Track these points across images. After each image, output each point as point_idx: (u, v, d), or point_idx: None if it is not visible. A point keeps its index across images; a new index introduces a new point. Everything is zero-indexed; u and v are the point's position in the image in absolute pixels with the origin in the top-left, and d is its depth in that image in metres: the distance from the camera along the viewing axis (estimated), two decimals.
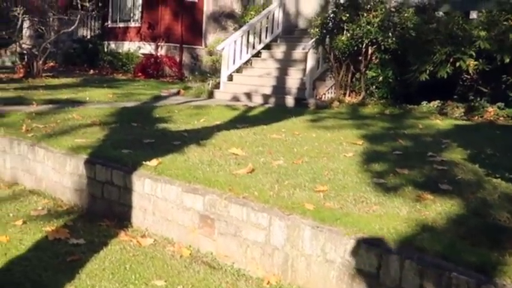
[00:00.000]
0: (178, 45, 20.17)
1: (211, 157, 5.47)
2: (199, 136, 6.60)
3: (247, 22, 14.13)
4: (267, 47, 13.67)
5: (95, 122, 7.67)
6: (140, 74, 18.88)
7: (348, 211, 3.83)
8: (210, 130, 7.12)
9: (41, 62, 15.87)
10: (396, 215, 3.73)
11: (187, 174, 4.76)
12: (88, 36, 21.90)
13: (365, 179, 4.62)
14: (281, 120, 8.44)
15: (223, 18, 21.00)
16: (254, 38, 13.48)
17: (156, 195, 4.72)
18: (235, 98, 12.09)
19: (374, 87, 11.14)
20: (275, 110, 10.07)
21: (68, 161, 5.68)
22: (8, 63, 21.85)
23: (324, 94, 11.70)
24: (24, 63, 16.37)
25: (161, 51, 19.91)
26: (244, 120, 8.52)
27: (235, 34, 13.22)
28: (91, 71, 19.52)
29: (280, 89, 11.88)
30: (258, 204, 4.02)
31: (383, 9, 10.86)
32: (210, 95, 12.65)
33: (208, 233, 4.30)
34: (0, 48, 23.01)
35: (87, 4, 16.55)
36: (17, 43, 16.94)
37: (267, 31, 13.68)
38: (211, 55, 20.55)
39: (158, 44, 19.92)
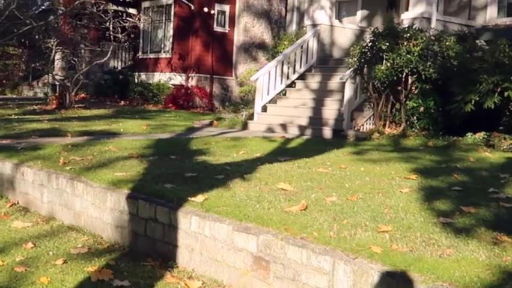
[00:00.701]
0: (208, 76, 20.13)
1: (259, 192, 5.18)
2: (242, 170, 6.32)
3: (281, 52, 13.94)
4: (302, 77, 13.45)
5: (133, 154, 7.46)
6: (171, 105, 18.81)
7: (420, 255, 3.49)
8: (251, 163, 6.84)
9: (73, 94, 15.85)
10: (475, 260, 3.38)
11: (237, 211, 4.47)
12: (119, 68, 22.00)
13: (429, 218, 4.28)
14: (323, 152, 8.14)
15: (253, 49, 20.99)
16: (288, 68, 13.27)
17: (204, 233, 4.43)
18: (270, 129, 11.84)
19: (414, 118, 10.79)
20: (313, 142, 9.77)
21: (108, 196, 5.44)
22: (40, 95, 22.03)
23: (363, 125, 11.38)
24: (56, 94, 16.38)
25: (192, 82, 19.86)
26: (284, 152, 8.24)
27: (269, 64, 13.03)
28: (122, 102, 19.53)
29: (316, 120, 11.60)
30: (319, 246, 3.71)
31: (424, 38, 10.57)
32: (244, 127, 12.42)
33: (262, 276, 3.99)
34: (32, 80, 23.25)
35: (119, 35, 16.55)
36: (50, 74, 16.96)
37: (301, 61, 13.47)
38: (241, 86, 20.46)
39: (189, 75, 19.90)
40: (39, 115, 13.65)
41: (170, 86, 19.85)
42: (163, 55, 20.63)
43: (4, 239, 5.34)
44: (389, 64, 10.41)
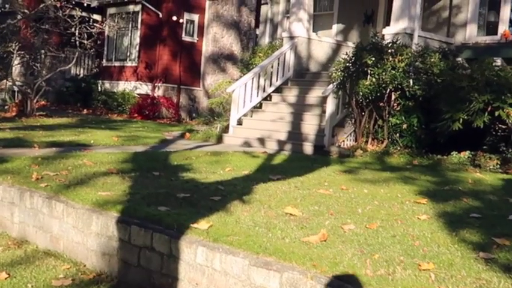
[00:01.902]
0: (175, 86, 19.55)
1: (266, 218, 4.67)
2: (238, 190, 5.80)
3: (256, 64, 13.51)
4: (278, 90, 13.02)
5: (111, 170, 6.84)
6: (136, 115, 18.15)
7: None
8: (244, 182, 6.32)
9: (34, 101, 15.02)
10: None
11: (250, 241, 3.95)
12: (81, 75, 21.13)
13: (467, 253, 3.85)
14: (312, 170, 7.69)
15: (222, 60, 20.52)
16: (265, 80, 12.82)
17: (213, 267, 3.89)
18: (247, 144, 11.34)
19: (397, 135, 10.47)
20: (297, 158, 9.32)
21: (94, 219, 4.83)
22: None
23: (344, 141, 11.00)
24: (17, 101, 15.50)
25: (159, 92, 19.24)
26: (271, 169, 7.75)
27: (245, 76, 12.56)
28: (85, 111, 18.72)
29: (296, 135, 11.17)
30: None
31: (409, 54, 10.29)
32: (219, 140, 11.89)
33: None
34: None
35: (85, 42, 15.81)
36: (9, 80, 16.05)
37: (277, 74, 13.04)
38: (209, 97, 19.93)
39: (156, 84, 19.28)
40: None
41: (136, 95, 19.16)
42: (128, 63, 19.92)
43: None
44: (374, 79, 10.08)
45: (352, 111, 10.80)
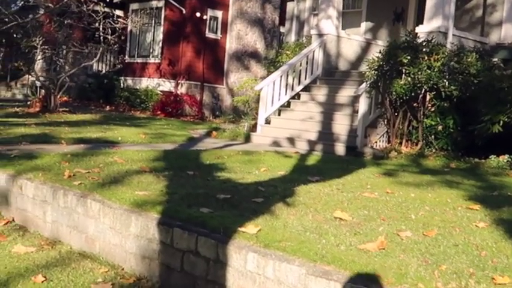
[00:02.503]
0: (199, 83, 19.34)
1: (315, 223, 4.40)
2: (279, 192, 5.54)
3: (283, 62, 13.25)
4: (306, 88, 12.74)
5: (144, 168, 6.62)
6: (159, 112, 17.96)
7: None
8: (283, 183, 6.06)
9: (58, 97, 14.88)
10: None
11: (304, 248, 3.69)
12: (103, 71, 21.00)
13: None
14: (349, 172, 7.42)
15: (246, 57, 20.29)
16: (293, 79, 12.55)
17: (265, 275, 3.64)
18: (276, 143, 11.08)
19: (432, 137, 10.15)
20: (331, 159, 9.04)
21: (133, 220, 4.60)
22: (19, 96, 20.94)
23: (376, 142, 10.71)
24: (40, 97, 15.36)
25: (182, 89, 19.03)
26: (307, 170, 7.49)
27: (273, 74, 12.29)
28: (107, 107, 18.58)
29: (326, 135, 10.88)
30: None
31: (445, 53, 9.96)
32: (247, 139, 11.64)
33: None
34: (10, 80, 22.11)
35: (109, 37, 15.63)
36: (33, 75, 15.93)
37: (306, 72, 12.76)
38: (232, 95, 19.73)
39: (179, 81, 19.08)
40: (23, 118, 12.67)
41: (159, 92, 18.98)
42: (151, 60, 19.75)
43: (7, 269, 4.47)
44: (409, 79, 9.76)
45: (385, 112, 10.50)
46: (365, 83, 10.47)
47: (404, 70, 9.90)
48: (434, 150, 9.96)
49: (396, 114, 10.23)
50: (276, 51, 15.26)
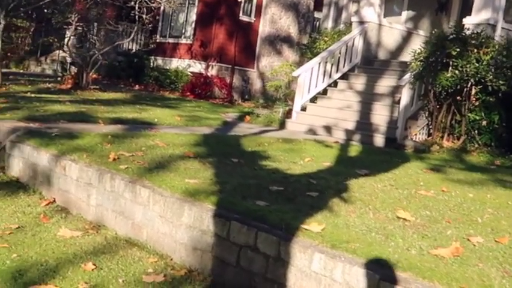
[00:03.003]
0: (229, 66, 19.07)
1: (378, 223, 4.18)
2: (331, 185, 5.33)
3: (320, 49, 12.96)
4: (344, 77, 12.45)
5: (188, 153, 6.44)
6: (188, 93, 17.76)
7: None
8: (332, 176, 5.84)
9: (90, 74, 14.75)
10: None
11: (374, 251, 3.48)
12: (134, 50, 20.84)
13: None
14: (396, 166, 7.17)
15: (278, 42, 19.99)
16: (331, 66, 12.26)
17: (332, 277, 3.43)
18: (312, 131, 10.84)
19: (475, 132, 9.83)
20: (372, 151, 8.79)
21: (186, 209, 4.41)
22: (49, 71, 20.88)
23: (416, 135, 10.41)
24: (72, 74, 15.23)
25: (212, 72, 18.79)
26: (351, 162, 7.25)
27: (312, 61, 12.00)
28: (137, 87, 18.42)
29: (365, 125, 10.60)
30: None
31: (496, 46, 9.60)
32: (282, 125, 11.42)
33: None
34: (40, 55, 22.07)
35: (144, 16, 15.43)
36: (67, 52, 15.82)
37: (345, 60, 12.45)
38: (262, 79, 19.48)
39: (209, 63, 18.83)
40: (56, 95, 12.55)
41: (189, 73, 18.75)
42: (183, 40, 19.51)
43: (55, 254, 4.31)
44: (457, 72, 9.43)
45: (428, 104, 10.20)
46: (408, 74, 10.16)
47: (451, 62, 9.57)
48: (476, 146, 9.65)
49: (439, 107, 9.92)
50: (312, 37, 14.94)
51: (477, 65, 9.43)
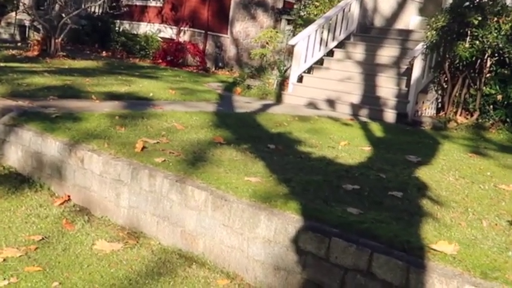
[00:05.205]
0: (203, 31, 18.03)
1: (500, 234, 3.50)
2: (403, 179, 4.63)
3: (311, 14, 12.14)
4: (340, 45, 11.68)
5: (217, 139, 5.61)
6: (160, 60, 16.69)
7: None
8: (389, 165, 5.13)
9: (59, 40, 13.50)
10: None
11: None
12: (97, 13, 19.42)
13: None
14: (435, 149, 6.56)
15: (252, 6, 18.96)
16: (328, 34, 11.46)
17: None
18: (313, 105, 10.09)
19: (490, 107, 9.29)
20: (394, 129, 8.14)
21: (262, 219, 3.61)
22: (5, 36, 19.30)
23: (426, 109, 9.81)
24: (39, 39, 13.90)
25: (184, 37, 17.72)
26: (388, 145, 6.53)
27: (309, 28, 11.14)
28: (104, 53, 17.18)
29: (371, 99, 9.91)
30: None
31: None
32: (278, 99, 10.61)
33: None
34: None
35: None
36: (32, 16, 14.43)
37: (341, 27, 11.67)
38: (236, 45, 18.53)
39: (181, 28, 17.72)
40: (25, 63, 11.36)
41: (159, 39, 17.62)
42: (152, 3, 18.28)
43: (103, 279, 3.46)
44: (477, 42, 8.81)
45: (440, 77, 9.58)
46: (421, 44, 9.47)
47: (469, 32, 8.94)
48: (492, 122, 9.12)
49: (455, 80, 9.31)
50: (302, 1, 14.03)
51: (495, 35, 8.83)
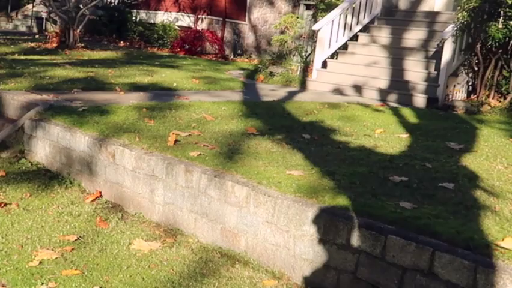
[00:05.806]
0: (220, 19, 17.77)
1: None
2: (452, 169, 4.40)
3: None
4: (364, 29, 11.39)
5: (249, 130, 5.40)
6: (178, 49, 16.47)
7: None
8: (431, 154, 4.90)
9: (77, 31, 13.34)
10: None
11: None
12: (114, 3, 19.25)
13: None
14: (474, 134, 6.29)
15: None
16: (352, 18, 11.17)
17: None
18: (338, 91, 9.84)
19: None
20: (428, 115, 7.86)
21: (309, 216, 3.41)
22: (22, 28, 19.20)
23: (456, 93, 9.52)
24: (58, 31, 13.74)
25: (202, 25, 17.49)
26: (426, 132, 6.24)
27: (332, 12, 10.86)
28: (121, 43, 17.02)
29: (399, 83, 9.64)
30: None
31: None
32: (303, 85, 10.38)
33: None
34: (11, 11, 20.26)
35: None
36: (50, 8, 14.25)
37: (365, 11, 11.37)
38: (255, 32, 18.26)
39: (199, 16, 17.49)
40: (46, 56, 11.21)
41: (177, 28, 17.39)
42: None
43: (145, 282, 3.28)
44: (511, 22, 8.49)
45: (471, 59, 9.27)
46: (450, 26, 9.17)
47: (502, 12, 8.62)
48: None
49: (488, 62, 9.00)
50: None
51: None
